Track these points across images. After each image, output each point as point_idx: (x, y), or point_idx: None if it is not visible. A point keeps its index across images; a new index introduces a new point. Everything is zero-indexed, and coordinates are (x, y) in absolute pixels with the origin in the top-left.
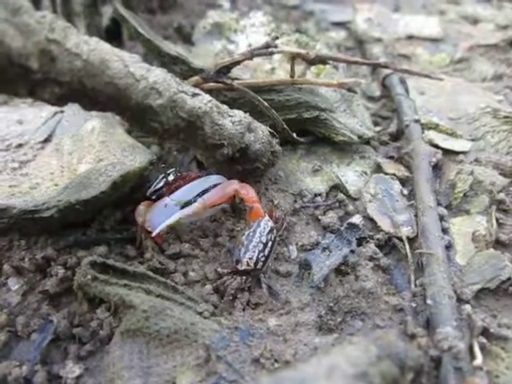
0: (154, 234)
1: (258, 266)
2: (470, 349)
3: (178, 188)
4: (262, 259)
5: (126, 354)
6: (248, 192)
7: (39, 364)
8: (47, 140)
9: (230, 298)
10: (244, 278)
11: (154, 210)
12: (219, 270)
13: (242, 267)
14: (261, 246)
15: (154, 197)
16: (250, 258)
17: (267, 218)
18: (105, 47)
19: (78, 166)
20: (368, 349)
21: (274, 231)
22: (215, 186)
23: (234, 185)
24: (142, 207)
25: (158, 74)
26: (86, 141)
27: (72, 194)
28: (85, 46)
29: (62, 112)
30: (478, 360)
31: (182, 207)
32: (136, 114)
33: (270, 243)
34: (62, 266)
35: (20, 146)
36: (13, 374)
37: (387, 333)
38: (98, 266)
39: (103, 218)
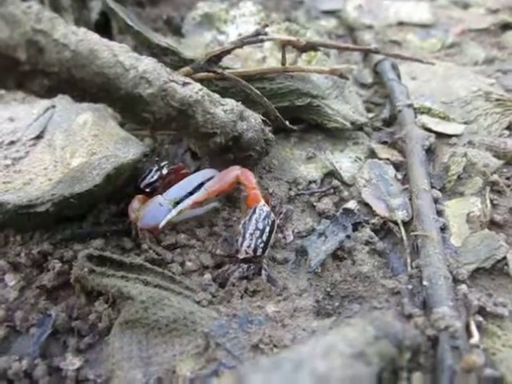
0: (160, 226)
1: (258, 253)
2: (467, 327)
3: (173, 181)
4: (261, 245)
5: (126, 345)
6: (248, 178)
7: (39, 358)
8: (39, 136)
9: (231, 286)
10: (246, 266)
11: (148, 207)
12: (217, 251)
13: (241, 256)
14: (258, 233)
15: (148, 189)
16: (248, 246)
17: (263, 203)
18: (93, 37)
19: (71, 160)
20: (365, 329)
21: (271, 216)
22: (209, 179)
23: (236, 171)
24: (136, 203)
25: (147, 64)
26: (79, 135)
27: (66, 188)
28: (73, 36)
29: (53, 107)
30: (475, 338)
31: (175, 206)
32: (127, 105)
33: (267, 228)
34: (59, 260)
35: (12, 143)
36: (13, 368)
37: (384, 314)
38: (94, 258)
39: (98, 211)
